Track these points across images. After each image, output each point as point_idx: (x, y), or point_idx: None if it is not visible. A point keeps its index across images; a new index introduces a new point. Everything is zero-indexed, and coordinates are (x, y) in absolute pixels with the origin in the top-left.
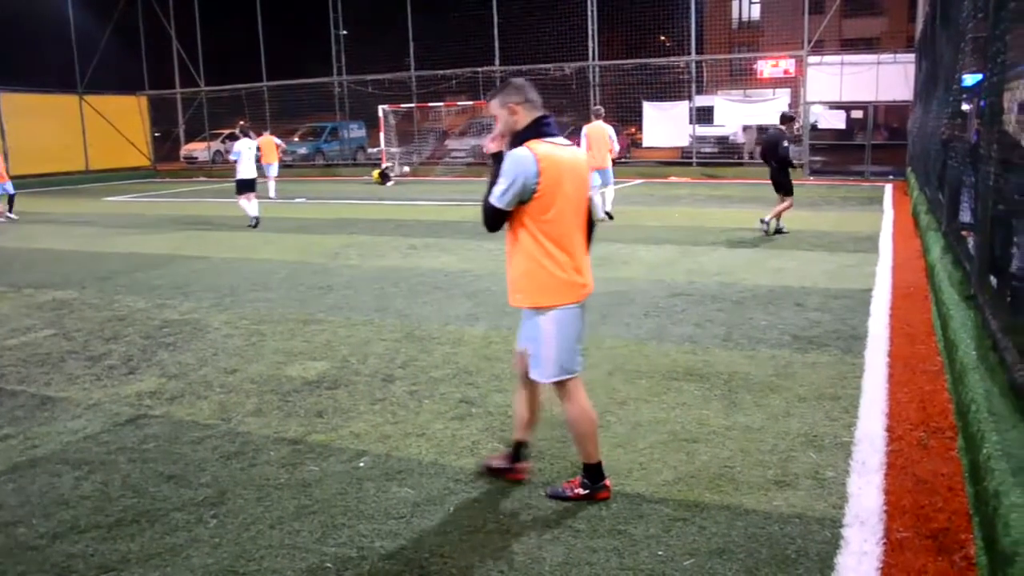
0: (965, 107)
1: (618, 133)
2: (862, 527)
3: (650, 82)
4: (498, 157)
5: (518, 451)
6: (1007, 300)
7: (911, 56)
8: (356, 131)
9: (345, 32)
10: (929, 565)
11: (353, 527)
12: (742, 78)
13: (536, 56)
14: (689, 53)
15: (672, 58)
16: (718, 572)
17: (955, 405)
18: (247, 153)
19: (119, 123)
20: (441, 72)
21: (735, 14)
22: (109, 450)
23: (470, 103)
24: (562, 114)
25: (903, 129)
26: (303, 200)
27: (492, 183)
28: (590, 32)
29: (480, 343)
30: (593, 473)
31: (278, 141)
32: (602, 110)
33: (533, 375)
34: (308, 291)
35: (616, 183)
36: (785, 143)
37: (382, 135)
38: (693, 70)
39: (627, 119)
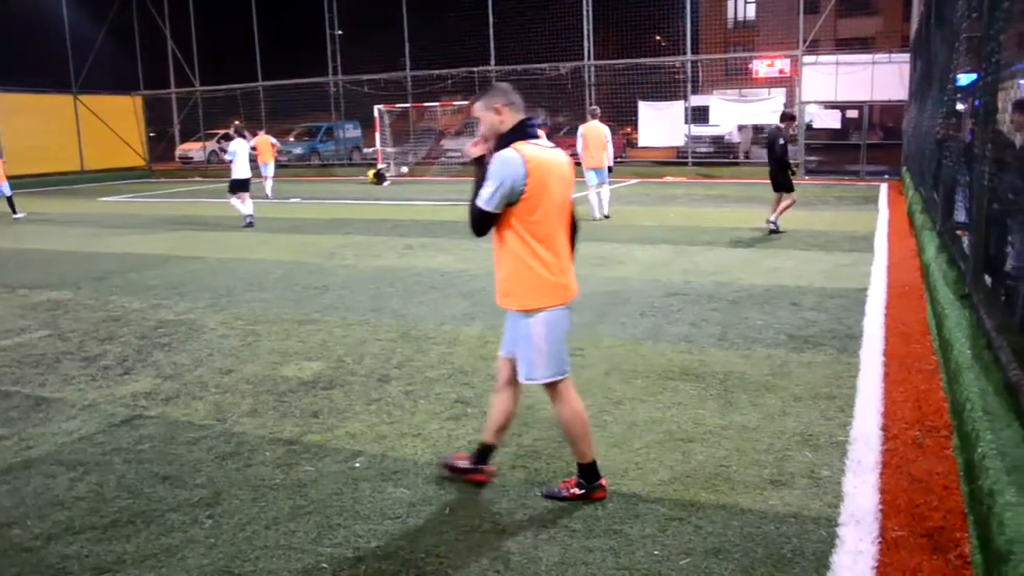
0: (960, 107)
1: (614, 133)
2: (857, 526)
3: (645, 82)
4: (480, 161)
5: (485, 453)
6: (1001, 299)
7: (906, 56)
8: (352, 131)
9: (340, 32)
10: (924, 564)
11: (349, 527)
12: (737, 78)
13: (531, 56)
14: (684, 53)
15: (667, 58)
16: (714, 571)
17: (950, 404)
18: (242, 153)
19: (114, 123)
20: (436, 72)
21: (730, 14)
22: (104, 451)
23: (466, 103)
24: (557, 114)
25: (898, 129)
26: (298, 200)
27: (478, 187)
28: (585, 32)
29: (476, 343)
30: (588, 472)
31: (274, 141)
32: (598, 110)
33: (524, 378)
34: (304, 291)
35: (612, 183)
36: (781, 141)
37: (377, 135)
38: (688, 70)
39: (622, 119)
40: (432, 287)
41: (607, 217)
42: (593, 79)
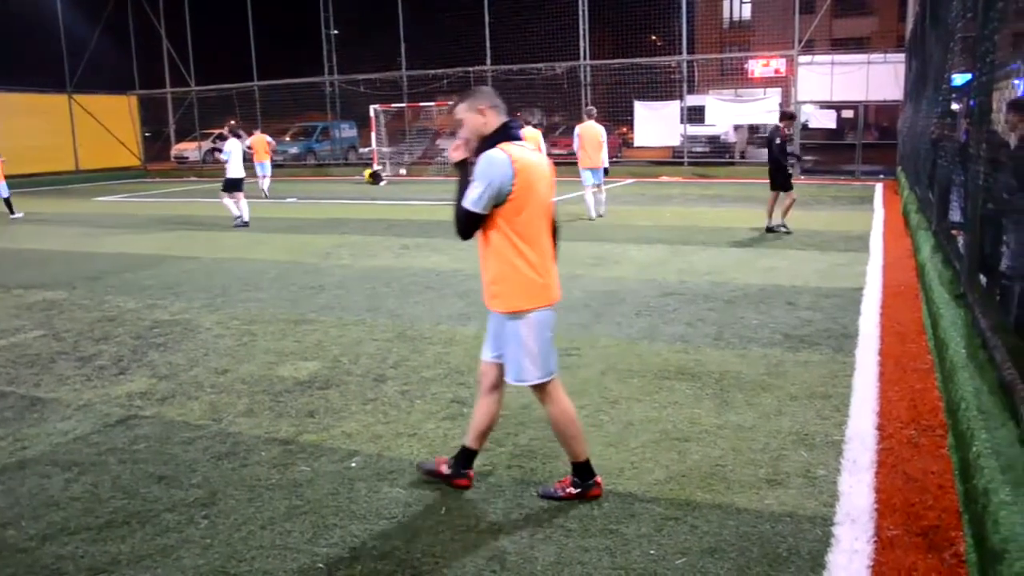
0: (955, 106)
1: (609, 133)
2: (853, 525)
3: (641, 81)
4: (463, 164)
5: (469, 458)
6: (996, 299)
7: (901, 56)
8: (347, 131)
9: (336, 31)
10: (919, 562)
11: (345, 527)
12: (733, 78)
13: (527, 56)
14: (680, 53)
15: (663, 58)
16: (710, 571)
17: (945, 403)
18: (237, 153)
19: (109, 123)
20: (432, 72)
21: (726, 14)
22: (99, 451)
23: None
24: (553, 114)
25: (893, 128)
26: (294, 200)
27: (462, 189)
28: (581, 31)
29: (472, 343)
30: (582, 471)
31: (269, 139)
32: (594, 110)
33: (514, 379)
34: (299, 291)
35: (607, 183)
36: (778, 141)
37: (373, 135)
38: (684, 70)
39: (618, 119)
40: (428, 287)
41: (600, 216)
42: (589, 79)
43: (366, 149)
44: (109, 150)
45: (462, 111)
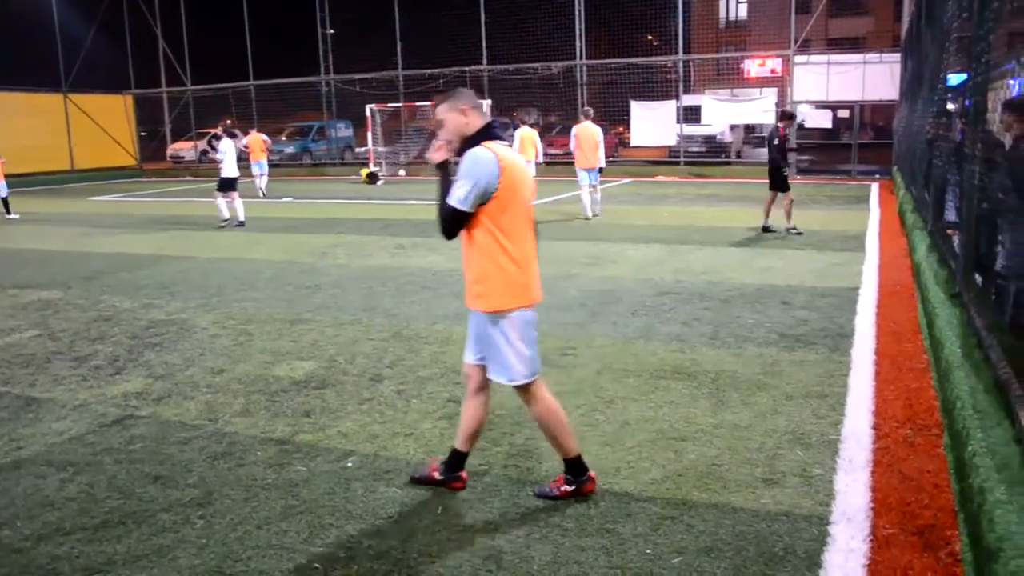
0: (950, 106)
1: (606, 132)
2: (849, 524)
3: (637, 81)
4: (444, 166)
5: (460, 460)
6: (992, 298)
7: (897, 56)
8: (343, 130)
9: (332, 31)
10: (915, 561)
11: (341, 527)
12: (729, 77)
13: (523, 55)
14: (676, 52)
15: (659, 57)
16: (706, 570)
17: (941, 402)
18: (231, 153)
19: (105, 122)
20: (428, 71)
21: (722, 13)
22: (95, 451)
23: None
24: (550, 113)
25: (889, 128)
26: (290, 200)
27: (444, 190)
28: (577, 31)
29: None
30: (574, 467)
31: (265, 138)
32: (591, 111)
33: (506, 380)
34: (296, 291)
35: (604, 183)
36: (776, 141)
37: (369, 134)
38: (680, 69)
39: (615, 118)
40: (424, 286)
41: (595, 216)
42: (585, 79)
43: (362, 149)
44: (105, 150)
45: (443, 111)
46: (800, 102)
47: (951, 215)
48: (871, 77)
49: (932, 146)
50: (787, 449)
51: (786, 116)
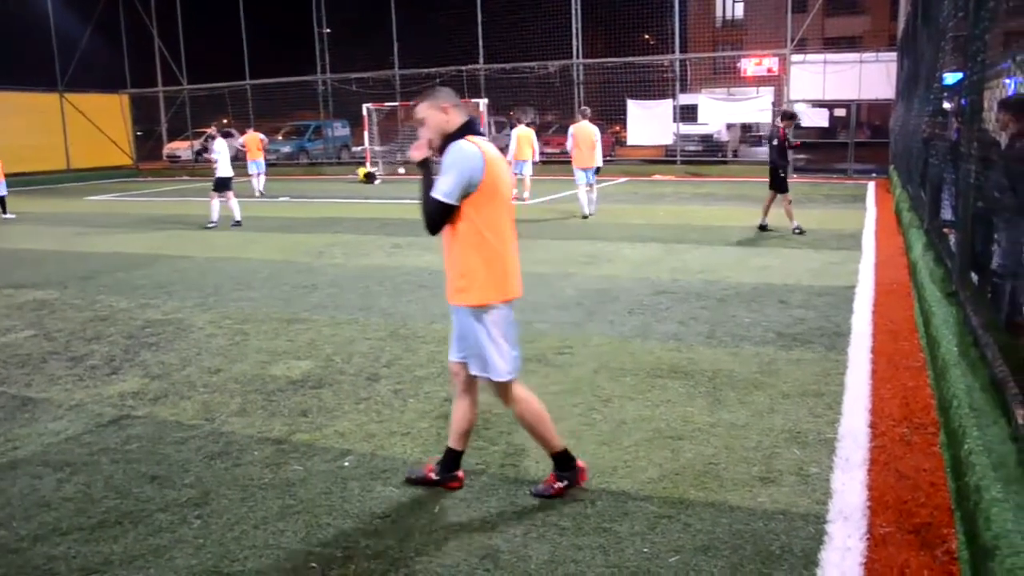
0: (946, 105)
1: (602, 131)
2: (846, 523)
3: (634, 80)
4: (425, 163)
5: (455, 459)
6: (988, 296)
7: (893, 55)
8: (340, 130)
9: (328, 30)
10: (912, 560)
11: (338, 527)
12: (726, 76)
13: (520, 54)
14: (673, 51)
15: (656, 56)
16: (703, 569)
17: (937, 401)
18: (226, 152)
19: (101, 122)
20: (425, 71)
21: (719, 12)
22: (91, 451)
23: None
24: (546, 112)
25: (885, 127)
26: (287, 199)
27: (427, 187)
28: (574, 30)
29: None
30: (562, 461)
31: (262, 136)
32: (589, 111)
33: (495, 376)
34: (292, 290)
35: (600, 182)
36: (775, 142)
37: (366, 134)
38: (677, 68)
39: (611, 117)
40: (421, 285)
41: (591, 215)
42: (582, 78)
43: (359, 148)
44: (101, 149)
45: (424, 109)
46: (796, 101)
47: (947, 214)
48: (867, 76)
49: (928, 145)
50: (784, 448)
51: (787, 116)
